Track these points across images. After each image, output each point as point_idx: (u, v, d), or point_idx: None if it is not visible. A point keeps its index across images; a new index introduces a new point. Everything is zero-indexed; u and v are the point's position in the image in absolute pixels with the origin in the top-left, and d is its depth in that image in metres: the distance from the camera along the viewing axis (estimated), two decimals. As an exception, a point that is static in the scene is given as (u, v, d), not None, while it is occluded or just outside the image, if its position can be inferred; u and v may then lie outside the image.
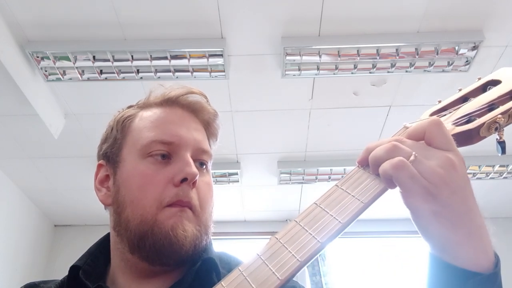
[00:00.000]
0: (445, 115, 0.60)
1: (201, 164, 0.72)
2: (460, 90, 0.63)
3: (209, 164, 0.75)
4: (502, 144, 0.57)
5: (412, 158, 0.49)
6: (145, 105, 0.77)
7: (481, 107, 0.57)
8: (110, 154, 0.73)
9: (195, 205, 0.67)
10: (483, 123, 0.55)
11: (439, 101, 0.63)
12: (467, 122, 0.57)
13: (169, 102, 0.75)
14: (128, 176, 0.69)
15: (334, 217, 0.51)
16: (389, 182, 0.51)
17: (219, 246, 0.78)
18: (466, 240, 0.48)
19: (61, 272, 0.74)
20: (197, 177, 0.67)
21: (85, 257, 0.72)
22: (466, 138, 0.56)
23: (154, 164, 0.68)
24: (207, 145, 0.74)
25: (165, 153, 0.68)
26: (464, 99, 0.62)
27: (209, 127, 0.78)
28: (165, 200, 0.65)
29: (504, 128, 0.56)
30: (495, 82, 0.61)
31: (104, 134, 0.77)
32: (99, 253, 0.74)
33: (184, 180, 0.66)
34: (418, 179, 0.48)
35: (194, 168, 0.66)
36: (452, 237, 0.48)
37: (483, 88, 0.62)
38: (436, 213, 0.48)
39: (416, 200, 0.49)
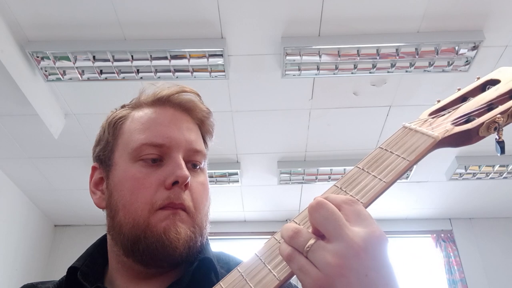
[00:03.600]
0: (444, 114, 0.59)
1: (194, 165, 0.70)
2: (459, 89, 0.63)
3: (204, 164, 0.73)
4: (501, 144, 0.56)
5: (306, 246, 0.45)
6: (137, 105, 0.75)
7: (480, 107, 0.57)
8: (103, 157, 0.72)
9: (188, 206, 0.66)
10: (482, 123, 0.55)
11: (438, 101, 0.63)
12: (466, 121, 0.56)
13: (160, 102, 0.73)
14: (120, 180, 0.68)
15: None
16: None
17: (219, 246, 0.77)
18: None
19: (61, 272, 0.73)
20: (189, 179, 0.65)
21: (83, 258, 0.72)
22: (465, 138, 0.56)
23: (145, 167, 0.67)
24: (201, 145, 0.73)
25: (156, 157, 0.67)
26: (463, 98, 0.62)
27: (203, 125, 0.76)
28: (157, 203, 0.64)
29: (503, 128, 0.56)
30: (494, 82, 0.61)
31: (97, 136, 0.76)
32: (97, 254, 0.73)
33: (175, 183, 0.65)
34: (306, 271, 0.44)
35: (185, 171, 0.65)
36: None
37: (482, 88, 0.62)
38: None
39: None
